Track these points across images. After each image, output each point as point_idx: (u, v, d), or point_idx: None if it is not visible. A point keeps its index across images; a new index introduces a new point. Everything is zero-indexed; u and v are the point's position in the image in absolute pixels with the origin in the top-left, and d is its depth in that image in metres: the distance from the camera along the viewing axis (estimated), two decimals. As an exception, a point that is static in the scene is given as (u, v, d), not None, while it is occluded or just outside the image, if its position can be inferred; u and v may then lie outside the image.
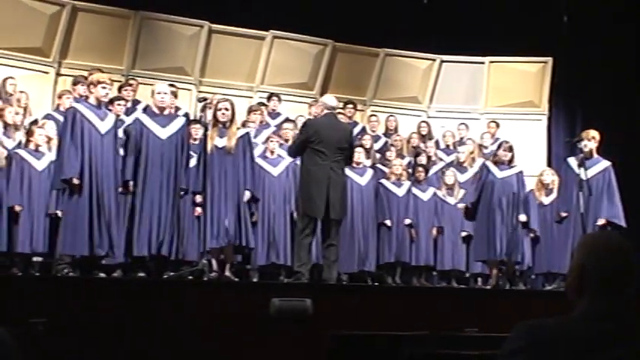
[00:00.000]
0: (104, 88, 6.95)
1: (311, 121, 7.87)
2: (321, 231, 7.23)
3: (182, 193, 7.28)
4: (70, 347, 5.13)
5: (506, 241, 8.51)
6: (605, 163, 8.51)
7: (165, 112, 7.37)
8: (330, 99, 7.69)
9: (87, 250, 6.63)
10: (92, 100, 6.99)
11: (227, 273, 7.25)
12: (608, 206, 8.28)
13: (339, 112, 10.85)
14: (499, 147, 8.94)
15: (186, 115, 10.07)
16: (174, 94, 9.96)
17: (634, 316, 2.10)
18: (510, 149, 8.74)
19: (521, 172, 8.82)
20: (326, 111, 7.43)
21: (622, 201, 8.45)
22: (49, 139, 8.12)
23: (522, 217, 8.72)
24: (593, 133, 8.50)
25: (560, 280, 8.60)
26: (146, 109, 8.12)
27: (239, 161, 7.48)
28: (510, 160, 8.73)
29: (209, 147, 7.36)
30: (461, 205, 9.36)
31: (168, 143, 7.14)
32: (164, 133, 7.17)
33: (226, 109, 7.51)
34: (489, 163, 8.83)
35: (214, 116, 7.51)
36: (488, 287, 8.64)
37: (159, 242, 6.95)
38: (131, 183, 7.01)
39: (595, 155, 8.40)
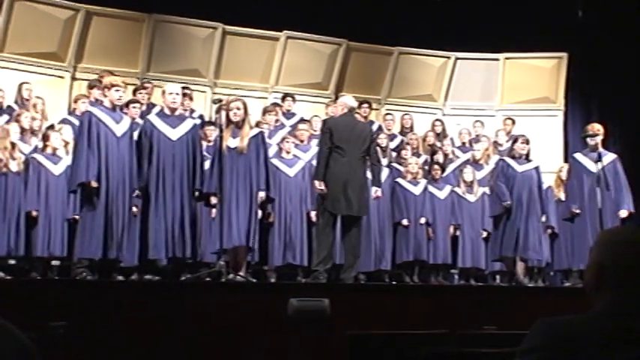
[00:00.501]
0: (117, 91, 6.99)
1: (329, 120, 7.91)
2: (341, 228, 7.26)
3: (197, 194, 7.29)
4: (90, 350, 5.16)
5: (523, 238, 8.38)
6: (612, 155, 8.52)
7: (177, 113, 7.39)
8: (350, 99, 7.78)
9: (101, 253, 6.67)
10: (107, 104, 7.03)
11: (241, 273, 7.25)
12: (624, 197, 8.29)
13: (356, 112, 10.89)
14: (515, 141, 8.78)
15: (201, 116, 10.11)
16: (190, 97, 10.01)
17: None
18: (527, 142, 8.62)
19: (539, 167, 8.73)
20: (346, 110, 7.48)
21: (635, 192, 8.49)
22: (67, 144, 8.18)
23: (543, 218, 8.63)
24: (599, 127, 8.57)
25: (577, 277, 8.54)
26: (156, 111, 8.15)
27: (252, 161, 7.48)
28: (527, 154, 8.63)
29: (222, 148, 7.37)
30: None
31: (179, 144, 7.16)
32: (175, 134, 7.19)
33: (238, 109, 7.51)
34: (507, 159, 8.68)
35: (227, 116, 7.53)
36: (507, 285, 8.55)
37: (174, 243, 6.97)
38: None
39: (600, 148, 8.41)
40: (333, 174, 7.16)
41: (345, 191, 7.10)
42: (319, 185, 7.28)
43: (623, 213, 8.29)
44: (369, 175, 7.58)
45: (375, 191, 7.56)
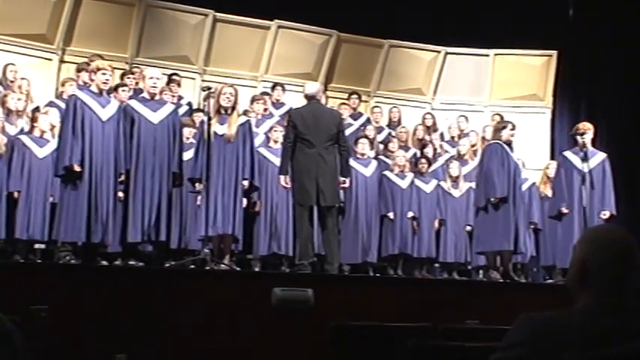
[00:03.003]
0: (104, 74, 6.95)
1: (294, 111, 7.84)
2: (318, 219, 7.24)
3: (177, 181, 7.28)
4: (72, 334, 5.15)
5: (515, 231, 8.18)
6: (602, 155, 8.52)
7: (156, 98, 7.37)
8: (310, 87, 7.66)
9: (83, 237, 6.65)
10: (94, 88, 7.00)
11: (226, 262, 7.24)
12: (609, 198, 8.27)
13: (343, 103, 10.88)
14: (504, 127, 8.29)
15: (189, 104, 10.09)
16: (178, 83, 9.99)
17: (638, 311, 2.10)
18: (515, 129, 8.30)
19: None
20: (307, 100, 7.43)
21: (624, 190, 8.49)
22: (53, 127, 8.13)
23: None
24: (589, 125, 8.48)
25: (559, 274, 8.55)
26: (137, 96, 8.12)
27: (238, 149, 7.47)
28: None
29: (210, 134, 7.34)
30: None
31: (160, 128, 7.15)
32: (156, 117, 7.18)
33: (231, 94, 7.54)
34: (503, 144, 8.13)
35: (217, 101, 7.52)
36: (501, 280, 8.24)
37: (151, 227, 6.95)
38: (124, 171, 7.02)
39: (591, 147, 8.36)
40: (302, 166, 7.13)
41: (317, 183, 7.08)
42: (283, 181, 7.36)
43: (605, 214, 8.23)
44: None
45: (342, 181, 7.42)
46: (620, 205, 8.43)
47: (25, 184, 7.92)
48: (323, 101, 8.49)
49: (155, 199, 7.00)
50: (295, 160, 7.23)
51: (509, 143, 8.25)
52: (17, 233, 7.86)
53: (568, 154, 8.61)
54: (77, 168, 6.66)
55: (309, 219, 7.18)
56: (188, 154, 7.83)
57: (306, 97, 7.45)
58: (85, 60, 9.49)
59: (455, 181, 9.81)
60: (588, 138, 8.29)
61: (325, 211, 7.16)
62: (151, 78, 7.33)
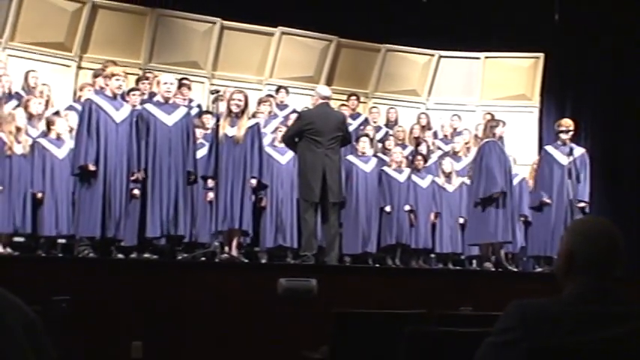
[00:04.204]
0: (117, 80, 6.99)
1: (305, 112, 7.86)
2: (321, 214, 7.26)
3: (192, 178, 7.28)
4: (90, 322, 5.15)
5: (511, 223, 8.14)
6: (581, 149, 8.53)
7: (170, 102, 7.38)
8: (323, 89, 7.70)
9: (99, 232, 6.65)
10: (108, 92, 7.01)
11: (233, 252, 7.25)
12: (583, 189, 8.27)
13: (342, 104, 10.88)
14: (496, 125, 8.31)
15: (199, 106, 10.09)
16: (189, 87, 9.99)
17: (622, 298, 2.10)
18: (505, 126, 8.35)
19: None
20: (320, 101, 7.45)
21: (606, 185, 8.48)
22: (72, 129, 8.12)
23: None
24: (570, 122, 8.52)
25: (545, 263, 8.55)
26: (152, 100, 8.13)
27: (247, 150, 7.48)
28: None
29: (220, 136, 7.35)
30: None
31: (174, 129, 7.16)
32: (170, 120, 7.19)
33: (239, 101, 7.52)
34: (498, 142, 8.15)
35: (228, 107, 7.51)
36: (493, 269, 8.04)
37: (169, 222, 6.96)
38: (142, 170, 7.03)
39: (569, 143, 8.38)
40: (309, 164, 7.15)
41: (324, 181, 7.10)
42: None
43: (581, 204, 8.24)
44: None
45: None
46: (602, 199, 8.42)
47: (48, 184, 7.91)
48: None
49: (172, 197, 7.02)
50: (302, 157, 7.24)
51: (500, 140, 8.27)
52: (45, 230, 7.84)
53: (549, 148, 8.63)
54: (92, 167, 6.68)
55: (313, 213, 7.20)
56: (199, 153, 7.82)
57: (323, 97, 7.46)
58: (101, 66, 9.50)
59: (448, 176, 9.80)
60: (570, 134, 8.36)
61: (330, 206, 7.17)
62: (165, 83, 7.35)
